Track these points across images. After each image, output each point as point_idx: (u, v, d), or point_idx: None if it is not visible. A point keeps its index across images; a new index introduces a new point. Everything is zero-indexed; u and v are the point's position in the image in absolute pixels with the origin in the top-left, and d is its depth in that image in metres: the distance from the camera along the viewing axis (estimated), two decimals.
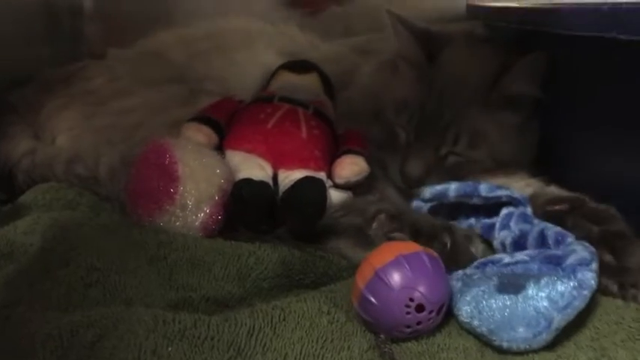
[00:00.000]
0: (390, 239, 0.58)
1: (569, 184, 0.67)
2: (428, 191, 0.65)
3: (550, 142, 0.74)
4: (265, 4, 1.14)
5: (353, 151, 0.67)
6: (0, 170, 0.73)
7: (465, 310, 0.48)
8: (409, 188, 0.71)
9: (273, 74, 0.77)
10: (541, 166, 0.74)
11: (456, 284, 0.50)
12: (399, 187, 0.72)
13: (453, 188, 0.64)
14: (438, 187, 0.64)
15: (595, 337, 0.47)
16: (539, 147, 0.75)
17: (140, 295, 0.49)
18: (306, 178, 0.60)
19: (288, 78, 0.75)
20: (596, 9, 0.49)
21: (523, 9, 0.70)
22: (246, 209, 0.59)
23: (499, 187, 0.63)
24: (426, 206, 0.67)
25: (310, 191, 0.59)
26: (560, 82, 0.69)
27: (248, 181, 0.60)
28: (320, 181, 0.61)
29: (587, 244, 0.51)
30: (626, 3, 0.46)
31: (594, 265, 0.47)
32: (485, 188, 0.62)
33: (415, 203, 0.68)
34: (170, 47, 0.89)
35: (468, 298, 0.48)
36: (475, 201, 0.63)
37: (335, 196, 0.64)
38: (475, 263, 0.56)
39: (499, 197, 0.62)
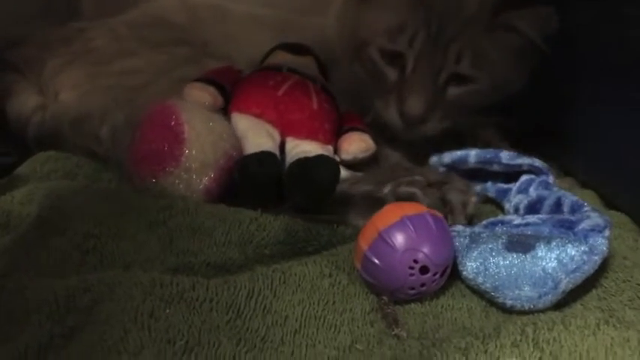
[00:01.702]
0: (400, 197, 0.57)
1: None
2: (447, 156, 0.65)
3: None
4: None
5: (358, 129, 0.67)
6: (13, 127, 0.73)
7: (470, 266, 0.47)
8: (411, 128, 0.68)
9: (269, 54, 0.76)
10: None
11: (463, 241, 0.49)
12: (397, 132, 0.69)
13: (473, 154, 0.64)
14: (458, 153, 0.64)
15: (602, 297, 0.47)
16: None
17: (139, 261, 0.48)
18: (321, 156, 0.58)
19: (286, 57, 0.73)
20: None
21: None
22: (253, 188, 0.57)
23: (520, 156, 0.63)
24: (442, 168, 0.66)
25: (325, 172, 0.57)
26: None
27: (255, 158, 0.58)
28: (334, 162, 0.59)
29: (602, 213, 0.51)
30: None
31: (607, 232, 0.47)
32: (506, 156, 0.63)
33: (432, 160, 0.67)
34: (171, 11, 0.87)
35: (474, 255, 0.47)
36: (495, 168, 0.64)
37: (343, 172, 0.63)
38: (484, 222, 0.55)
39: (520, 165, 0.62)
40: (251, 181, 0.56)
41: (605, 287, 0.47)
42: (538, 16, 0.67)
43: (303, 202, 0.57)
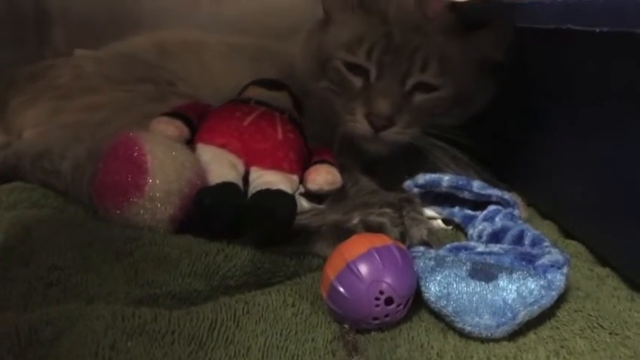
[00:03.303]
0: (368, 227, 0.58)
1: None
2: (421, 177, 0.67)
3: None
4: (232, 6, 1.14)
5: (327, 162, 0.67)
6: None
7: (433, 289, 0.48)
8: (379, 131, 0.68)
9: (244, 89, 0.77)
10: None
11: (428, 262, 0.50)
12: (366, 141, 0.71)
13: (446, 179, 0.66)
14: (432, 175, 0.66)
15: (555, 326, 0.48)
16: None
17: (103, 293, 0.48)
18: (278, 192, 0.59)
19: (261, 92, 0.75)
20: (552, 2, 0.50)
21: (484, 3, 0.71)
22: (211, 220, 0.57)
23: (491, 187, 0.65)
24: (415, 189, 0.68)
25: (280, 208, 0.57)
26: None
27: (212, 190, 0.58)
28: (291, 198, 0.59)
29: (562, 249, 0.53)
30: None
31: (566, 269, 0.49)
32: (478, 185, 0.65)
33: (407, 184, 0.68)
34: (142, 48, 0.88)
35: (438, 278, 0.49)
36: (466, 195, 0.66)
37: (305, 204, 0.64)
38: (448, 246, 0.57)
39: (489, 196, 0.65)
40: (207, 213, 0.57)
41: (559, 317, 0.49)
42: (495, 34, 0.70)
43: (260, 236, 0.57)
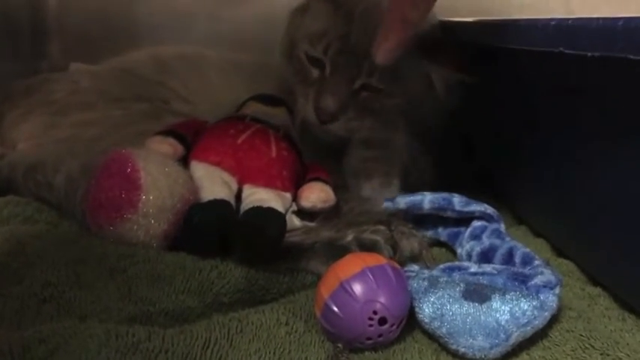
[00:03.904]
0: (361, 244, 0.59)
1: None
2: (402, 201, 0.67)
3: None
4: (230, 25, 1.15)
5: (322, 179, 0.67)
6: None
7: (427, 310, 0.48)
8: (324, 124, 0.73)
9: (242, 105, 0.77)
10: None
11: (422, 283, 0.50)
12: (313, 129, 0.75)
13: (427, 200, 0.66)
14: (413, 198, 0.66)
15: (547, 347, 0.48)
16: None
17: (96, 311, 0.48)
18: (268, 209, 0.59)
19: (258, 108, 0.75)
20: (545, 25, 0.51)
21: (475, 24, 0.72)
22: (199, 236, 0.57)
23: (473, 202, 0.65)
24: (392, 209, 0.68)
25: (269, 226, 0.56)
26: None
27: (203, 207, 0.58)
28: (281, 216, 0.59)
29: (554, 269, 0.53)
30: (572, 19, 0.48)
31: (558, 289, 0.49)
32: (459, 202, 0.65)
33: (386, 205, 0.69)
34: (141, 63, 0.88)
35: (432, 299, 0.49)
36: (449, 214, 0.66)
37: (297, 222, 0.64)
38: (442, 266, 0.57)
39: (472, 212, 0.65)
40: (196, 229, 0.57)
41: (551, 337, 0.49)
42: (450, 78, 0.72)
43: (249, 253, 0.57)
